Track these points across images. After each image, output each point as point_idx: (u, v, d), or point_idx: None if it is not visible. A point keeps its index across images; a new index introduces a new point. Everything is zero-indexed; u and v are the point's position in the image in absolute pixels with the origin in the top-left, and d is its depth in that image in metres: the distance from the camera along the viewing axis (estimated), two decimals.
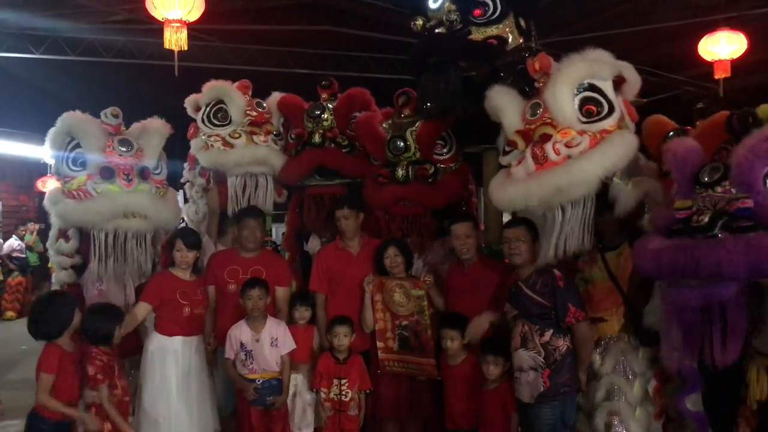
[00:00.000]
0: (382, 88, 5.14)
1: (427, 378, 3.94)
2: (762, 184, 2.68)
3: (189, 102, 4.90)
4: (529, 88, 3.75)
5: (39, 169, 11.93)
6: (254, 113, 4.75)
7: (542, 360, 3.45)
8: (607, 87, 3.42)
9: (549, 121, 3.38)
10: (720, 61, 8.04)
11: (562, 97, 3.36)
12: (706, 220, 2.73)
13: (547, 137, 3.34)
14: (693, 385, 3.06)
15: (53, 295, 3.76)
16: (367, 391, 3.97)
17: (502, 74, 3.87)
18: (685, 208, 2.83)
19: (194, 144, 4.79)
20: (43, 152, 4.37)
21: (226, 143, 4.66)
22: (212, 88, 4.79)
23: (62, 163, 4.17)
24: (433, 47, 4.17)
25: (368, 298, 4.01)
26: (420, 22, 4.20)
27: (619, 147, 3.31)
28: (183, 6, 6.31)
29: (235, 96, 4.72)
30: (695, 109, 4.10)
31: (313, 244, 4.83)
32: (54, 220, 4.31)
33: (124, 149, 4.15)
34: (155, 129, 4.37)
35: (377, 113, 4.70)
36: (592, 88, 3.41)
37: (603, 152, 3.29)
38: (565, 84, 3.37)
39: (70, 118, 4.18)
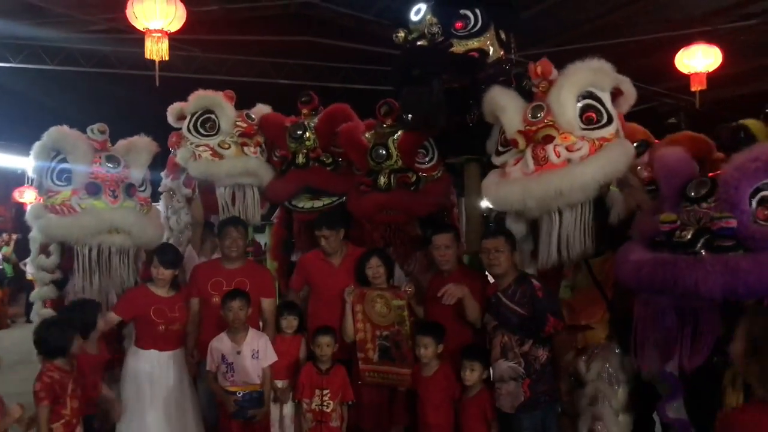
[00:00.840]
0: (365, 99, 5.16)
1: (407, 388, 3.93)
2: (747, 203, 2.71)
3: (172, 110, 4.86)
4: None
5: (16, 179, 11.81)
6: (244, 124, 4.74)
7: (522, 370, 3.46)
8: (606, 98, 3.53)
9: (551, 123, 3.46)
10: (696, 73, 8.19)
11: (566, 101, 3.44)
12: (689, 236, 2.76)
13: (550, 139, 3.42)
14: (674, 393, 3.09)
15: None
16: (350, 403, 3.96)
17: (483, 86, 3.90)
18: (670, 221, 2.85)
19: (181, 153, 4.72)
20: (22, 162, 4.35)
21: (215, 153, 4.63)
22: (201, 97, 4.78)
23: (46, 177, 4.14)
24: (414, 59, 4.21)
25: (349, 308, 4.00)
26: (402, 34, 4.24)
27: (619, 155, 3.40)
28: (164, 16, 6.29)
29: (225, 106, 4.72)
30: (667, 124, 4.18)
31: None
32: (35, 235, 4.26)
33: (111, 165, 4.16)
34: (143, 146, 4.39)
35: (360, 124, 4.72)
36: (593, 96, 3.50)
37: (603, 158, 3.37)
38: (570, 89, 3.46)
39: (56, 132, 4.16)
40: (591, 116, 3.47)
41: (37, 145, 4.18)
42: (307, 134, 4.69)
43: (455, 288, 3.69)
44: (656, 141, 3.88)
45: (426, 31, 4.16)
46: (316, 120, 4.76)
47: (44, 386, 3.26)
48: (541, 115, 3.49)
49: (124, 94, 9.94)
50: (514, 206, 3.57)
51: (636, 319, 3.00)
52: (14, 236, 12.09)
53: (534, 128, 3.49)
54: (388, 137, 4.46)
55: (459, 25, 4.15)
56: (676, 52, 8.24)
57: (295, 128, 4.71)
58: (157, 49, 6.43)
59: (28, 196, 11.29)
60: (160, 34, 6.41)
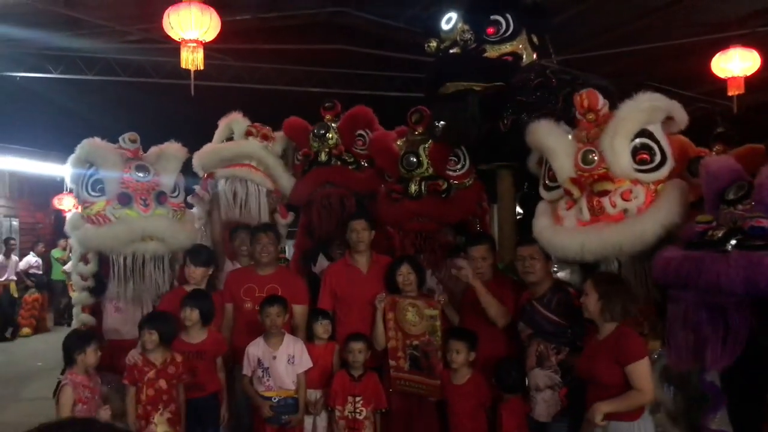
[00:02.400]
0: (395, 107, 5.18)
1: (436, 399, 3.90)
2: None
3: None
4: (551, 103, 3.73)
5: (55, 187, 12.07)
6: (256, 128, 4.94)
7: (559, 379, 3.43)
8: (658, 130, 3.43)
9: (605, 172, 3.38)
10: (733, 77, 8.03)
11: (620, 149, 3.36)
12: (720, 234, 2.76)
13: (606, 193, 3.36)
14: (716, 404, 3.03)
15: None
16: (383, 410, 3.95)
17: (518, 92, 3.87)
18: (705, 222, 2.88)
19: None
20: (61, 170, 4.47)
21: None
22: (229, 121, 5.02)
23: (82, 188, 4.27)
24: (448, 68, 4.22)
25: (380, 316, 3.99)
26: (434, 44, 4.26)
27: (676, 201, 3.30)
28: (199, 26, 6.39)
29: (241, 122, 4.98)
30: (715, 134, 4.09)
31: (322, 266, 4.83)
32: (74, 244, 4.41)
33: (141, 175, 4.26)
34: (172, 153, 4.48)
35: (391, 132, 4.73)
36: (645, 134, 3.41)
37: (661, 210, 3.29)
38: (624, 136, 3.37)
39: (88, 145, 4.28)
40: (644, 158, 3.39)
41: (71, 157, 4.32)
42: (330, 134, 4.75)
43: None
44: (705, 152, 3.78)
45: (458, 38, 4.16)
46: (339, 122, 4.83)
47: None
48: (593, 159, 3.41)
49: (159, 103, 10.12)
50: (571, 257, 3.52)
51: (667, 317, 2.98)
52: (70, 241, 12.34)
53: (587, 175, 3.43)
54: (419, 145, 4.46)
55: (491, 30, 4.15)
56: (712, 56, 8.09)
57: (318, 128, 4.78)
58: (192, 59, 6.53)
59: (66, 204, 11.55)
60: (195, 44, 6.52)
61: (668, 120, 3.47)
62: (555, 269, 3.87)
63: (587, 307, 3.17)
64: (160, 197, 4.31)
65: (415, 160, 4.41)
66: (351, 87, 10.61)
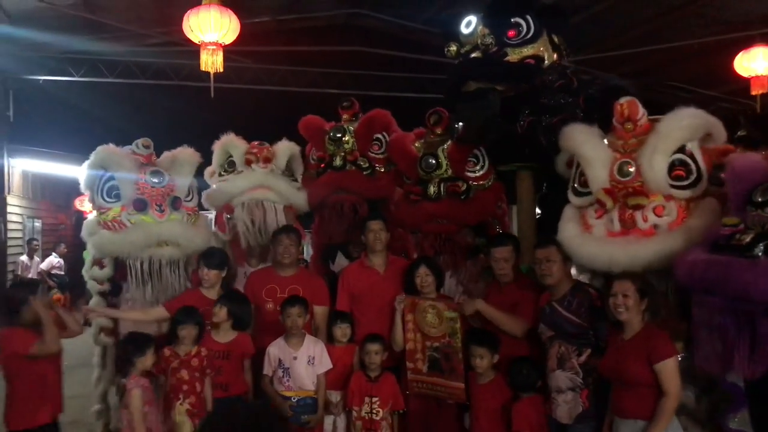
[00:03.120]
0: (413, 108, 5.17)
1: (455, 402, 3.88)
2: None
3: (207, 174, 5.02)
4: (573, 105, 3.69)
5: (77, 189, 12.19)
6: (254, 150, 4.76)
7: (580, 381, 3.40)
8: (695, 147, 3.41)
9: (640, 186, 3.37)
10: (757, 76, 7.93)
11: (659, 165, 3.34)
12: (748, 239, 2.71)
13: (640, 207, 3.34)
14: (736, 404, 2.99)
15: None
16: (401, 411, 3.94)
17: (540, 94, 3.84)
18: (732, 224, 2.84)
19: (207, 171, 4.94)
20: (82, 172, 4.52)
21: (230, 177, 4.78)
22: (221, 145, 4.88)
23: (97, 194, 4.32)
24: (470, 72, 4.20)
25: (399, 317, 3.97)
26: (454, 48, 4.25)
27: (708, 221, 3.24)
28: (219, 29, 6.44)
29: (236, 145, 4.80)
30: (737, 137, 4.04)
31: (340, 264, 4.83)
32: (89, 249, 4.46)
33: (156, 181, 4.31)
34: (186, 158, 4.52)
35: (409, 133, 4.72)
36: (684, 151, 3.38)
37: (692, 228, 3.25)
38: (664, 153, 3.35)
39: (103, 151, 4.33)
40: (680, 174, 3.36)
41: (86, 163, 4.38)
42: (346, 137, 4.73)
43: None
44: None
45: (479, 42, 4.14)
46: (356, 125, 4.80)
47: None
48: (630, 171, 3.40)
49: (178, 105, 10.20)
50: (597, 267, 3.52)
51: (693, 321, 2.94)
52: None
53: (621, 187, 3.41)
54: (437, 146, 4.45)
55: (512, 33, 4.12)
56: (734, 55, 8.00)
57: (335, 131, 4.76)
58: (212, 61, 6.58)
59: (88, 205, 11.68)
60: (215, 47, 6.56)
61: (706, 136, 3.44)
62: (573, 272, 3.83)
63: (627, 308, 3.14)
64: (175, 202, 4.37)
65: (434, 161, 4.39)
66: (368, 88, 10.61)
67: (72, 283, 12.22)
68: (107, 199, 4.29)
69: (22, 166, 11.65)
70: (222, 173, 4.85)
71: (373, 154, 4.82)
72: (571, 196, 3.72)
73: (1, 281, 10.62)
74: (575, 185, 3.69)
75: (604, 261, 3.38)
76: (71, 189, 12.74)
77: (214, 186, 4.84)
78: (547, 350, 3.56)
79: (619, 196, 3.40)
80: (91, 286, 4.53)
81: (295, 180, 4.95)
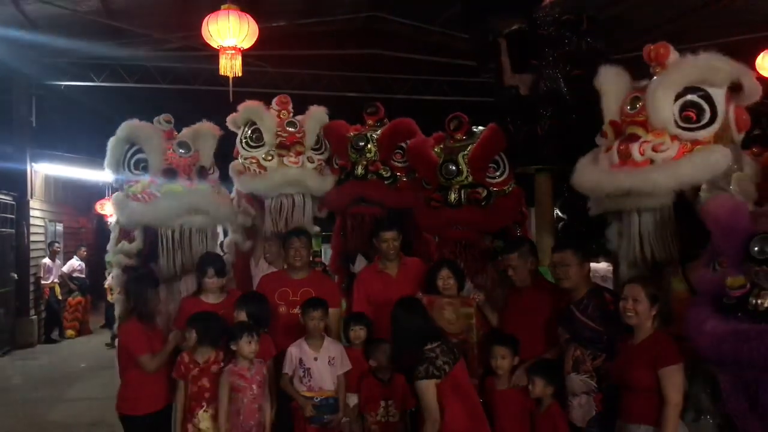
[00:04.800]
0: (432, 111, 5.16)
1: None
2: None
3: (230, 121, 4.94)
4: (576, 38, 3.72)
5: (98, 192, 12.35)
6: (284, 134, 4.72)
7: (594, 384, 3.38)
8: (718, 94, 3.30)
9: (643, 119, 3.33)
10: None
11: (662, 99, 3.28)
12: (767, 304, 2.59)
13: (635, 138, 3.30)
14: None
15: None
16: (414, 410, 3.92)
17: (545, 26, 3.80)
18: (739, 286, 2.67)
19: (232, 167, 4.84)
20: (103, 176, 4.58)
21: (260, 166, 4.69)
22: (245, 109, 4.84)
23: (124, 168, 4.40)
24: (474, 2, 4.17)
25: None
26: None
27: (702, 164, 3.19)
28: (237, 33, 6.48)
29: (265, 117, 4.75)
30: (752, 136, 3.96)
31: (360, 266, 4.80)
32: (113, 224, 4.58)
33: (183, 151, 4.40)
34: (207, 131, 4.60)
35: (428, 138, 4.70)
36: (701, 93, 3.28)
37: (682, 166, 3.20)
38: (669, 87, 3.29)
39: (130, 126, 4.42)
40: (690, 115, 3.27)
41: (112, 140, 4.43)
42: (369, 146, 4.71)
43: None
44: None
45: None
46: (379, 132, 4.77)
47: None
48: (638, 107, 3.36)
49: (197, 110, 10.24)
50: (591, 195, 3.54)
51: (724, 392, 2.84)
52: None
53: (627, 120, 3.38)
54: (458, 153, 4.42)
55: None
56: (755, 55, 7.89)
57: (358, 139, 4.73)
58: (231, 66, 6.63)
59: (108, 209, 11.80)
60: (233, 51, 6.61)
61: (738, 90, 3.34)
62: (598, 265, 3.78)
63: (637, 313, 3.10)
64: (202, 172, 4.46)
65: (454, 168, 4.37)
66: (387, 91, 10.63)
67: (93, 286, 12.37)
68: (135, 172, 4.37)
69: (45, 170, 11.79)
70: (247, 147, 4.78)
71: (395, 163, 4.79)
72: (598, 138, 3.68)
73: (24, 284, 10.80)
74: (602, 127, 3.65)
75: (592, 187, 3.42)
76: (92, 193, 12.93)
77: (252, 170, 4.71)
78: (564, 353, 3.54)
79: (623, 129, 3.38)
80: (118, 260, 4.52)
81: (323, 154, 4.89)
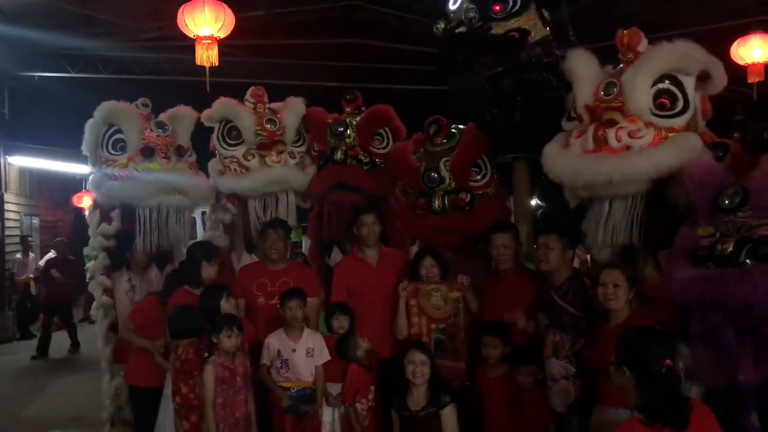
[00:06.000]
0: (412, 100, 5.16)
1: (459, 384, 3.87)
2: None
3: (204, 117, 4.81)
4: (556, 82, 3.71)
5: (75, 185, 12.21)
6: (264, 133, 4.60)
7: (573, 369, 3.42)
8: (689, 82, 3.36)
9: (619, 105, 3.35)
10: (753, 64, 7.92)
11: (640, 86, 3.31)
12: (731, 248, 2.70)
13: (613, 123, 3.32)
14: (752, 401, 2.98)
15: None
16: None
17: (527, 70, 3.84)
18: (708, 235, 2.81)
19: (211, 166, 4.76)
20: (80, 168, 4.59)
21: (241, 165, 4.59)
22: (221, 106, 4.68)
23: (102, 148, 4.45)
24: (455, 47, 4.20)
25: (402, 303, 4.00)
26: (441, 25, 4.26)
27: (679, 151, 3.24)
28: (214, 23, 6.43)
29: (242, 115, 4.58)
30: (734, 121, 4.03)
31: (335, 259, 4.80)
32: (92, 206, 4.65)
33: (160, 130, 4.48)
34: (184, 114, 4.67)
35: (408, 143, 4.69)
36: (674, 81, 3.35)
37: (661, 153, 3.25)
38: (647, 74, 3.32)
39: (108, 106, 4.47)
40: (664, 102, 3.33)
41: (90, 121, 4.47)
42: (349, 132, 4.70)
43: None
44: (728, 141, 3.73)
45: (464, 17, 4.14)
46: (358, 119, 4.77)
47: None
48: (613, 92, 3.38)
49: (175, 101, 10.17)
50: (565, 182, 3.54)
51: (692, 337, 2.91)
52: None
53: (603, 105, 3.39)
54: (439, 159, 4.39)
55: (497, 8, 4.10)
56: (731, 43, 7.98)
57: (337, 125, 4.73)
58: (207, 56, 6.58)
59: (86, 202, 11.67)
60: (209, 41, 6.55)
61: (706, 79, 3.40)
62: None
63: (617, 297, 3.15)
64: (180, 150, 4.51)
65: (436, 176, 4.35)
66: (368, 81, 10.59)
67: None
68: (113, 152, 4.43)
69: (19, 163, 11.64)
70: (225, 145, 4.67)
71: (374, 149, 4.79)
72: (564, 123, 3.71)
73: None
74: (570, 112, 3.68)
75: (569, 174, 3.42)
76: (69, 186, 12.77)
77: (233, 169, 4.63)
78: (544, 338, 3.57)
79: (598, 114, 3.40)
80: (99, 242, 4.59)
81: (302, 145, 4.84)
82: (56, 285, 9.88)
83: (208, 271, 4.05)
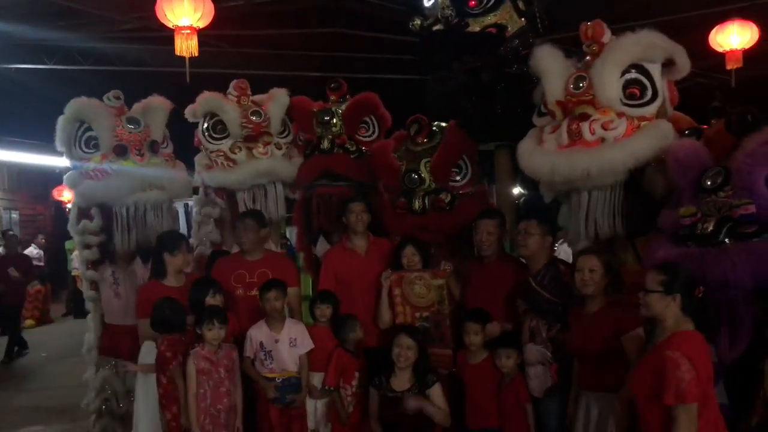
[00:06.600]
0: (396, 89, 5.16)
1: (445, 370, 3.90)
2: (763, 187, 2.73)
3: (188, 113, 4.86)
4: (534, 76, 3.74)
5: (55, 179, 12.09)
6: (250, 125, 4.65)
7: (550, 354, 3.47)
8: (655, 70, 3.42)
9: (590, 98, 3.39)
10: (732, 51, 7.97)
11: (609, 77, 3.36)
12: (711, 227, 2.77)
13: (586, 116, 3.36)
14: (719, 377, 3.05)
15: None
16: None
17: (508, 65, 3.86)
18: (690, 214, 2.88)
19: (198, 161, 4.81)
20: (59, 161, 4.55)
21: (228, 159, 4.65)
22: (205, 101, 4.73)
23: (75, 147, 4.40)
24: (432, 45, 4.20)
25: (385, 293, 4.02)
26: (418, 22, 4.26)
27: (653, 139, 3.31)
28: (193, 13, 6.37)
29: (227, 109, 4.64)
30: (711, 107, 4.09)
31: (322, 248, 4.81)
32: (72, 203, 4.60)
33: (132, 126, 4.41)
34: (158, 105, 4.60)
35: (390, 141, 4.69)
36: (641, 70, 3.39)
37: (636, 143, 3.30)
38: (614, 65, 3.37)
39: (78, 103, 4.40)
40: (634, 92, 3.38)
41: (61, 119, 4.42)
42: (335, 120, 4.70)
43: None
44: (704, 127, 3.78)
45: (440, 14, 4.14)
46: (343, 107, 4.77)
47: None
48: (582, 86, 3.42)
49: (155, 92, 10.08)
50: (543, 179, 3.58)
51: None
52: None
53: (574, 100, 3.42)
54: (420, 160, 4.41)
55: (472, 3, 4.12)
56: (710, 30, 8.04)
57: (323, 113, 4.72)
58: (186, 46, 6.51)
59: (66, 195, 11.56)
60: (189, 31, 6.48)
61: (670, 65, 3.46)
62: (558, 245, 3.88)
63: (594, 282, 3.19)
64: (153, 146, 4.45)
65: (416, 177, 4.37)
66: (351, 71, 10.54)
67: (52, 274, 12.13)
68: (86, 150, 4.39)
69: None
70: (210, 139, 4.70)
71: (360, 137, 4.80)
72: (535, 119, 3.75)
73: None
74: (540, 108, 3.72)
75: (547, 171, 3.46)
76: (49, 179, 12.64)
77: (220, 163, 4.68)
78: (522, 324, 3.62)
79: (570, 108, 3.44)
80: (85, 239, 4.54)
81: (288, 136, 4.87)
82: (13, 284, 9.13)
83: (173, 262, 4.02)
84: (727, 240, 2.75)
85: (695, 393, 2.49)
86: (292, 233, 6.89)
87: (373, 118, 4.85)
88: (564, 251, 5.38)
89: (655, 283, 2.70)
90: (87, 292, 4.64)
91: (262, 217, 4.42)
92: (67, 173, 4.58)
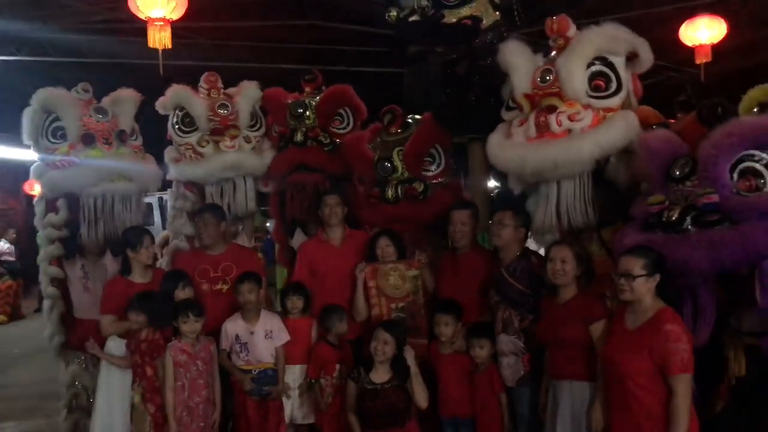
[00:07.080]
0: (371, 82, 5.17)
1: (421, 360, 3.90)
2: (727, 177, 2.80)
3: (158, 106, 4.82)
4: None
5: (26, 172, 11.87)
6: (217, 118, 4.63)
7: (522, 345, 3.52)
8: (620, 63, 3.48)
9: (557, 91, 3.44)
10: (701, 45, 8.10)
11: (575, 69, 3.42)
12: (676, 215, 2.85)
13: (552, 109, 3.41)
14: None
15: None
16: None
17: (482, 58, 3.89)
18: (658, 203, 2.95)
19: (167, 153, 4.79)
20: (31, 155, 4.50)
21: (196, 152, 4.64)
22: (173, 94, 4.71)
23: (42, 137, 4.35)
24: (408, 35, 4.22)
25: (360, 285, 4.04)
26: (394, 13, 4.28)
27: (620, 129, 3.37)
28: (166, 4, 6.30)
29: (194, 102, 4.63)
30: (677, 102, 4.17)
31: (298, 240, 4.82)
32: (39, 195, 4.54)
33: (100, 116, 4.37)
34: (127, 96, 4.56)
35: (365, 132, 4.69)
36: (605, 63, 3.46)
37: (603, 133, 3.36)
38: (580, 57, 3.43)
39: (44, 93, 4.35)
40: (599, 84, 3.45)
41: (27, 110, 4.37)
42: (308, 113, 4.69)
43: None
44: (671, 121, 3.86)
45: (416, 5, 4.16)
46: (317, 99, 4.76)
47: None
48: (549, 79, 3.47)
49: (128, 84, 9.94)
50: (513, 171, 3.63)
51: None
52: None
53: (541, 93, 3.48)
54: (392, 149, 4.43)
55: None
56: (680, 25, 8.15)
57: (296, 106, 4.71)
58: (159, 38, 6.44)
59: (38, 189, 11.37)
60: (162, 23, 6.42)
61: (633, 58, 3.53)
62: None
63: (565, 273, 3.25)
64: (122, 135, 4.41)
65: (389, 165, 4.39)
66: (327, 63, 10.50)
67: (24, 269, 11.94)
68: (53, 140, 4.35)
69: None
70: (179, 132, 4.69)
71: (335, 130, 4.79)
72: (503, 113, 3.80)
73: None
74: (509, 102, 3.77)
75: (516, 164, 3.52)
76: (20, 173, 12.40)
77: (188, 157, 4.67)
78: (494, 314, 3.67)
79: (537, 101, 3.50)
80: (48, 233, 4.47)
81: (259, 129, 4.85)
82: None
83: (136, 258, 4.01)
84: (690, 227, 2.82)
85: (693, 364, 2.67)
86: (273, 226, 6.89)
87: (347, 110, 4.86)
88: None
89: (638, 267, 2.82)
90: (47, 288, 4.51)
91: (221, 211, 4.40)
92: (34, 165, 4.53)
